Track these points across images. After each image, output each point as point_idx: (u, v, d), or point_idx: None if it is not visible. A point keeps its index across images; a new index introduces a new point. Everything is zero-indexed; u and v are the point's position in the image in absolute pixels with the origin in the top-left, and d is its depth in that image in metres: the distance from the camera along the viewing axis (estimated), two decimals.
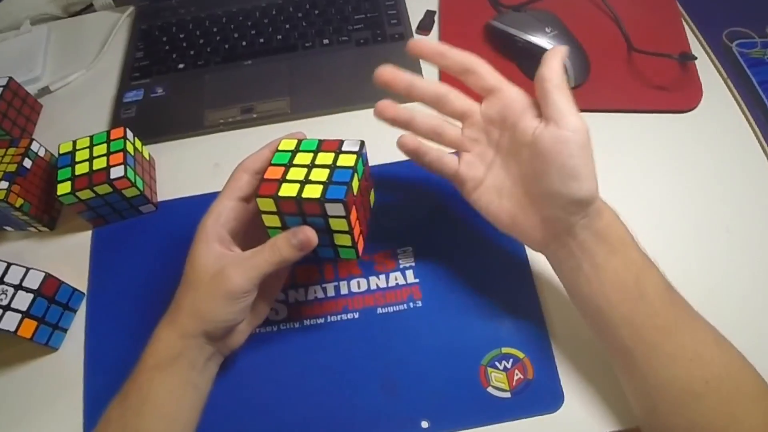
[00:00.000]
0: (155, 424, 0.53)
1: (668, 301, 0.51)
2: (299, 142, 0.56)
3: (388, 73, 0.57)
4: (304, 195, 0.51)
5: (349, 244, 0.55)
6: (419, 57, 0.57)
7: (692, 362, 0.49)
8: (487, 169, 0.57)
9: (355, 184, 0.53)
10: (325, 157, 0.54)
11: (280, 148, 0.56)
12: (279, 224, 0.54)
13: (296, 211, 0.52)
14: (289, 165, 0.54)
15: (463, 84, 0.57)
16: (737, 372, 0.50)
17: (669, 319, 0.50)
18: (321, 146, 0.55)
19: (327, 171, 0.53)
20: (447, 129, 0.58)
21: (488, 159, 0.57)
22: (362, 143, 0.55)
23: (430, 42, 0.57)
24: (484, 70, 0.55)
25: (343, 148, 0.55)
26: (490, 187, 0.56)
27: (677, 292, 0.52)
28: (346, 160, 0.53)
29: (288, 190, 0.51)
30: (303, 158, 0.54)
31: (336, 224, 0.53)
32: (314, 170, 0.53)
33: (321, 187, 0.51)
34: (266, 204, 0.52)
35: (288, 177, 0.53)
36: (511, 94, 0.54)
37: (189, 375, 0.55)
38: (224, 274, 0.52)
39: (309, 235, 0.52)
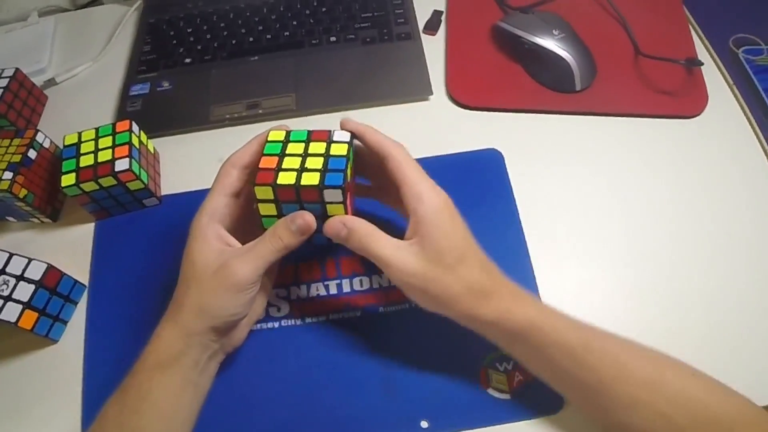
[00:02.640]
0: (153, 423, 0.52)
1: (584, 366, 0.51)
2: (288, 132, 0.57)
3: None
4: (303, 182, 0.52)
5: None
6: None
7: (629, 408, 0.49)
8: None
9: (349, 171, 0.54)
10: (317, 147, 0.55)
11: (270, 139, 0.57)
12: (275, 213, 0.55)
13: (294, 199, 0.53)
14: (282, 154, 0.55)
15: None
16: (689, 400, 0.49)
17: (591, 380, 0.50)
18: (311, 136, 0.56)
19: (321, 159, 0.54)
20: None
21: None
22: (352, 135, 0.56)
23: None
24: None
25: (334, 138, 0.56)
26: None
27: (595, 348, 0.51)
28: (339, 150, 0.54)
29: (286, 178, 0.52)
30: (295, 148, 0.55)
31: (333, 210, 0.54)
32: (309, 159, 0.54)
33: (318, 174, 0.52)
34: (264, 192, 0.53)
35: (284, 166, 0.53)
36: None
37: (190, 374, 0.54)
38: (229, 267, 0.52)
39: (307, 219, 0.53)
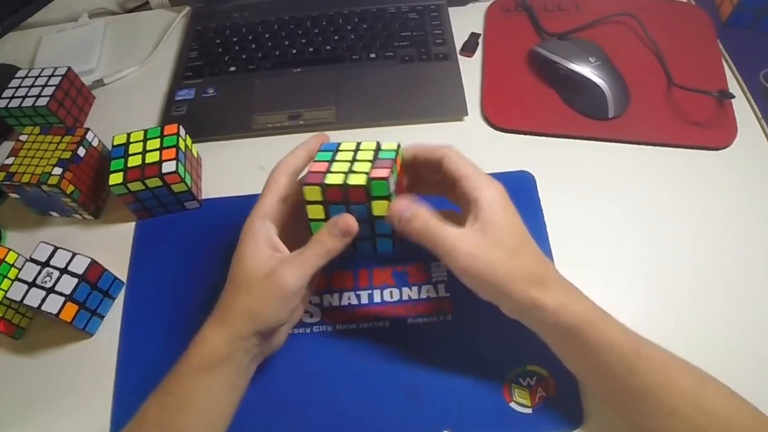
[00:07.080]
0: (194, 424, 0.53)
1: (633, 371, 0.51)
2: (339, 143, 0.59)
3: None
4: (350, 182, 0.53)
5: (389, 231, 0.57)
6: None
7: (669, 417, 0.50)
8: None
9: (396, 169, 0.55)
10: (365, 153, 0.56)
11: (321, 148, 0.59)
12: (323, 215, 0.56)
13: (341, 200, 0.54)
14: (332, 160, 0.56)
15: None
16: (725, 416, 0.50)
17: (637, 385, 0.51)
18: (360, 144, 0.58)
19: (369, 163, 0.55)
20: None
21: None
22: (399, 144, 0.58)
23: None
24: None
25: (382, 147, 0.57)
26: None
27: (645, 355, 0.52)
28: (388, 147, 0.57)
29: (334, 179, 0.53)
30: (345, 154, 0.57)
31: (378, 209, 0.55)
32: (357, 163, 0.55)
33: (365, 175, 0.53)
34: (312, 193, 0.54)
35: (332, 169, 0.55)
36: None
37: (233, 377, 0.55)
38: (277, 274, 0.53)
39: (349, 221, 0.54)
